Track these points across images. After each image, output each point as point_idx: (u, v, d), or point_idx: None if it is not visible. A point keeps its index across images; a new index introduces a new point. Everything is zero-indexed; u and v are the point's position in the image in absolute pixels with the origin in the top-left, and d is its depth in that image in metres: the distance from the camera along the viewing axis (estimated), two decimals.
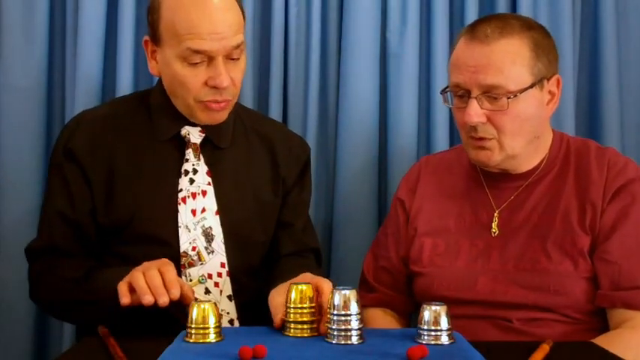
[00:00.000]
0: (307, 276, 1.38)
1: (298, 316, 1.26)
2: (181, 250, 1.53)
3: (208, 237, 1.55)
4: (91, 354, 1.22)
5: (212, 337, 1.22)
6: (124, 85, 1.97)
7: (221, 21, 1.48)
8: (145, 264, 1.36)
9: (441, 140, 2.04)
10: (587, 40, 2.11)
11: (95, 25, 2.00)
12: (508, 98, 1.50)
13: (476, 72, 1.51)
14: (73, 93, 2.00)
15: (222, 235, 1.57)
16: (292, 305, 1.26)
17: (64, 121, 2.05)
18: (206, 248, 1.54)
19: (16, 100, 2.01)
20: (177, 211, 1.55)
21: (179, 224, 1.54)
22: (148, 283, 1.30)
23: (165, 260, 1.39)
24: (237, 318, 1.55)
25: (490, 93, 1.51)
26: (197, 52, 1.47)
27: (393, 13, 2.06)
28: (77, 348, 1.33)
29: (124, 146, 1.58)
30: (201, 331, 1.21)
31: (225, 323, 1.52)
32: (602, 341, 1.38)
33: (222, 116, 1.57)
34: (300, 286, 1.27)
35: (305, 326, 1.26)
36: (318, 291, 1.29)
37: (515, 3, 2.04)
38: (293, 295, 1.26)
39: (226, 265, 1.55)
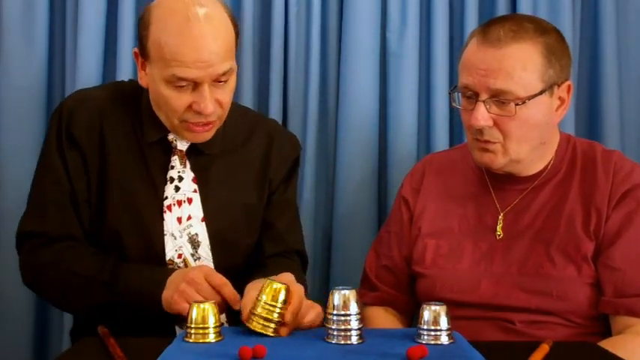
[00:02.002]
0: (288, 277, 1.35)
1: (266, 312, 1.25)
2: (167, 258, 1.52)
3: (194, 244, 1.55)
4: (91, 354, 1.22)
5: (212, 337, 1.22)
6: None
7: (207, 49, 1.43)
8: (189, 275, 1.39)
9: (440, 140, 2.04)
10: (587, 40, 2.11)
11: (95, 25, 2.00)
12: (516, 104, 1.48)
13: (486, 75, 1.49)
14: None
15: (208, 242, 1.56)
16: (263, 300, 1.25)
17: None
18: (192, 255, 1.54)
19: (16, 100, 2.01)
20: (162, 219, 1.53)
21: (164, 232, 1.53)
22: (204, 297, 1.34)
23: (204, 269, 1.41)
24: (227, 322, 1.55)
25: (498, 97, 1.49)
26: (182, 79, 1.44)
27: (393, 13, 2.06)
28: (77, 348, 1.33)
29: (117, 139, 1.55)
30: (201, 331, 1.21)
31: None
32: (605, 346, 1.37)
33: (206, 137, 1.54)
34: (275, 285, 1.26)
35: (270, 325, 1.25)
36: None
37: (515, 2, 2.05)
38: (267, 290, 1.26)
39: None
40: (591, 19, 2.10)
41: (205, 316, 1.22)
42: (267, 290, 1.26)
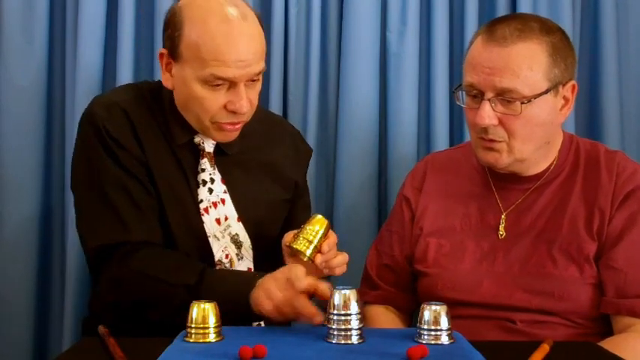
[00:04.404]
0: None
1: (310, 236, 1.41)
2: (216, 259, 1.53)
3: (237, 244, 1.56)
4: (91, 354, 1.22)
5: (212, 337, 1.21)
6: None
7: (247, 49, 1.45)
8: (281, 284, 1.33)
9: (440, 140, 2.04)
10: (586, 39, 2.11)
11: (95, 25, 2.00)
12: (522, 103, 1.48)
13: (491, 74, 1.49)
14: (73, 93, 2.00)
15: (249, 241, 1.58)
16: (309, 227, 1.41)
17: (64, 121, 2.05)
18: (237, 255, 1.56)
19: (16, 100, 2.01)
20: (201, 221, 1.54)
21: (207, 234, 1.53)
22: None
23: (292, 276, 1.34)
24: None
25: (504, 96, 1.49)
26: (221, 78, 1.45)
27: (393, 13, 2.06)
28: (77, 348, 1.33)
29: (150, 140, 1.53)
30: (201, 331, 1.21)
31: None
32: (607, 345, 1.38)
33: (234, 136, 1.55)
34: (320, 217, 1.43)
35: (310, 247, 1.40)
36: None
37: (515, 2, 2.05)
38: (314, 221, 1.42)
39: (252, 269, 1.57)
40: (591, 19, 2.10)
41: (205, 316, 1.21)
42: (314, 221, 1.43)
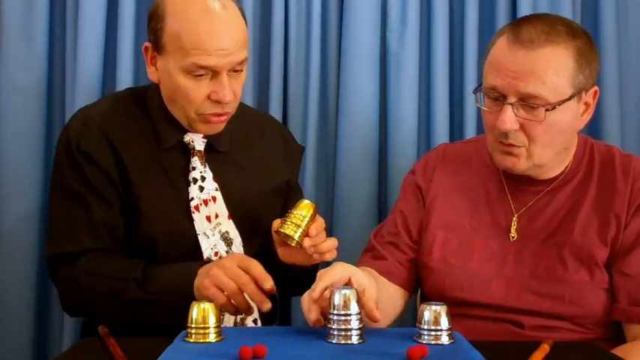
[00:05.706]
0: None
1: (297, 220, 1.42)
2: (204, 257, 1.53)
3: (227, 241, 1.57)
4: (91, 354, 1.22)
5: (212, 337, 1.21)
6: (124, 85, 1.97)
7: (228, 37, 1.48)
8: (220, 261, 1.40)
9: (440, 139, 2.04)
10: None
11: (95, 25, 2.00)
12: (546, 110, 1.44)
13: (516, 78, 1.44)
14: (73, 93, 2.00)
15: (240, 239, 1.58)
16: (296, 211, 1.43)
17: (64, 121, 2.05)
18: (227, 252, 1.56)
19: (16, 100, 2.01)
20: (192, 219, 1.55)
21: (197, 232, 1.54)
22: (237, 283, 1.35)
23: (236, 256, 1.43)
24: (259, 316, 1.56)
25: (527, 102, 1.44)
26: (202, 67, 1.47)
27: (393, 13, 2.06)
28: (77, 348, 1.33)
29: (130, 149, 1.55)
30: (201, 331, 1.21)
31: (249, 323, 1.55)
32: (618, 352, 1.35)
33: (220, 127, 1.57)
34: (307, 201, 1.45)
35: (298, 231, 1.42)
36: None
37: (516, 2, 2.05)
38: (301, 205, 1.44)
39: None
40: (591, 19, 2.10)
41: (205, 316, 1.21)
42: (301, 205, 1.44)
